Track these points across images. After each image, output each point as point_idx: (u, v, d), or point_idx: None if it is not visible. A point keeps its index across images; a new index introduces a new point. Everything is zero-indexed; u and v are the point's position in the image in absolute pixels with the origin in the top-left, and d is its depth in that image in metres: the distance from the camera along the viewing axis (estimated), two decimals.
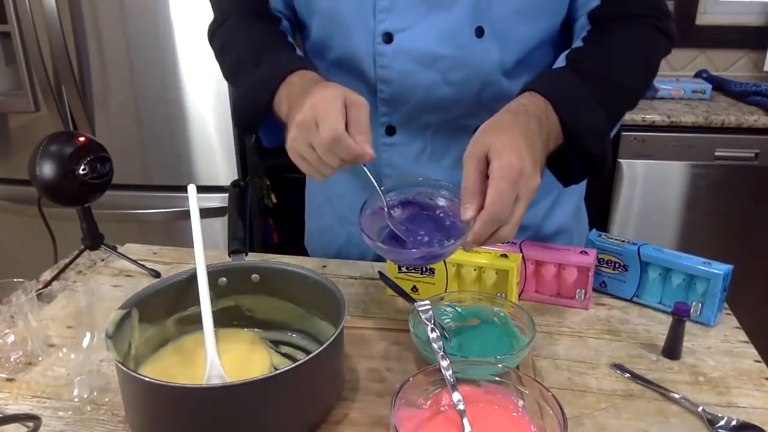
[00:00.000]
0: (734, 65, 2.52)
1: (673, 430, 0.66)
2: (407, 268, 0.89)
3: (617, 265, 0.89)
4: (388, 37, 0.84)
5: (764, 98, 2.09)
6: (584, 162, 0.79)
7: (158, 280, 0.80)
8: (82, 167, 0.89)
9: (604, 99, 0.79)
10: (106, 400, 0.71)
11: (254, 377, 0.59)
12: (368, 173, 0.72)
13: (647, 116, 2.02)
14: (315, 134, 0.67)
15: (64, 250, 1.06)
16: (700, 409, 0.68)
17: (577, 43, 0.86)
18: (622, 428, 0.66)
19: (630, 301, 0.89)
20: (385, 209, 0.74)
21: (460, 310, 0.80)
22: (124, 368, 0.60)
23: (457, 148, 0.89)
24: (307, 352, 0.73)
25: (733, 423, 0.66)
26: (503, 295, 0.84)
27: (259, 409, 0.60)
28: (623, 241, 0.89)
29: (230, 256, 0.80)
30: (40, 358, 0.78)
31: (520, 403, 0.62)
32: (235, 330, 0.79)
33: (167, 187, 2.02)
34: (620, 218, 2.16)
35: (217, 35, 0.97)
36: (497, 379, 0.63)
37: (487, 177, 0.66)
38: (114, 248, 1.03)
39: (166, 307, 0.75)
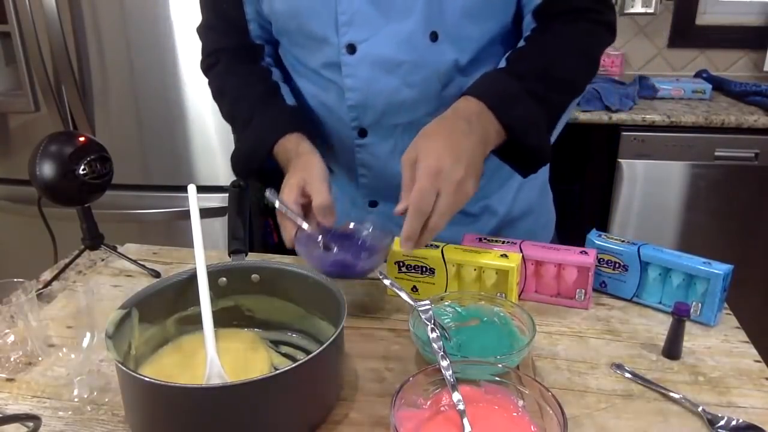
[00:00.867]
0: (734, 65, 2.52)
1: (673, 430, 0.66)
2: (407, 268, 0.89)
3: (617, 265, 0.89)
4: (351, 49, 0.90)
5: (764, 98, 2.09)
6: (526, 153, 0.86)
7: (158, 280, 0.80)
8: (82, 167, 0.89)
9: (541, 93, 0.85)
10: (106, 400, 0.71)
11: (254, 377, 0.59)
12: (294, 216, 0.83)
13: (647, 116, 2.02)
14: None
15: (64, 250, 1.06)
16: (700, 409, 0.68)
17: (521, 43, 0.91)
18: (622, 428, 0.66)
19: (630, 301, 0.89)
20: (319, 236, 0.85)
21: (460, 310, 0.80)
22: (124, 368, 0.60)
23: None
24: (307, 352, 0.73)
25: (733, 423, 0.66)
26: (503, 295, 0.84)
27: (259, 409, 0.60)
28: (623, 241, 0.89)
29: (230, 256, 0.80)
30: (40, 358, 0.78)
31: (520, 403, 0.62)
32: (235, 330, 0.79)
33: (167, 187, 2.02)
34: (620, 218, 2.16)
35: (210, 77, 1.07)
36: (497, 379, 0.63)
37: None
38: (114, 248, 1.03)
39: (166, 307, 0.75)
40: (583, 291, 0.87)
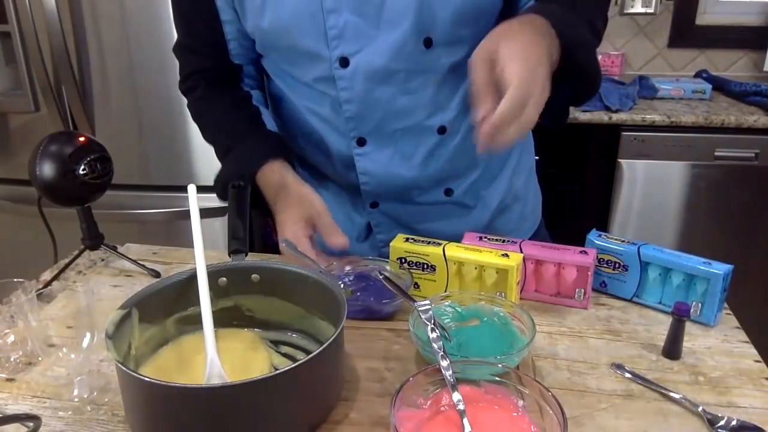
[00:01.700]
0: (734, 65, 2.52)
1: (673, 430, 0.66)
2: (409, 264, 0.89)
3: (617, 265, 0.89)
4: (344, 62, 0.89)
5: (764, 98, 2.09)
6: (582, 77, 0.81)
7: (158, 280, 0.80)
8: (82, 167, 0.89)
9: (585, 17, 0.82)
10: (106, 400, 0.71)
11: (254, 377, 0.59)
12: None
13: (647, 116, 2.02)
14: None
15: (64, 250, 1.06)
16: (700, 409, 0.68)
17: None
18: (622, 428, 0.66)
19: (630, 301, 0.89)
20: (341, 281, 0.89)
21: (460, 310, 0.80)
22: (124, 368, 0.60)
23: (424, 146, 0.97)
24: (307, 352, 0.73)
25: (733, 423, 0.66)
26: (503, 294, 0.84)
27: (259, 409, 0.60)
28: (623, 241, 0.89)
29: (230, 256, 0.80)
30: (40, 358, 0.78)
31: (520, 403, 0.62)
32: (235, 330, 0.79)
33: (167, 187, 2.02)
34: (620, 218, 2.16)
35: (189, 100, 1.07)
36: (497, 379, 0.63)
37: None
38: (114, 248, 1.03)
39: (166, 307, 0.75)
40: (583, 291, 0.87)
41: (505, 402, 0.62)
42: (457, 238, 0.92)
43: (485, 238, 0.92)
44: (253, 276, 0.78)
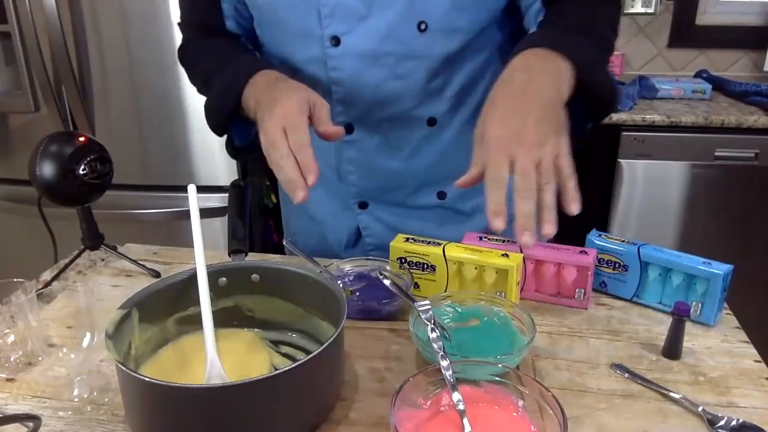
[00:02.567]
0: (734, 65, 2.52)
1: (673, 430, 0.66)
2: (409, 264, 0.89)
3: (617, 265, 0.89)
4: (335, 41, 0.88)
5: (764, 98, 2.09)
6: (597, 94, 0.78)
7: (158, 280, 0.80)
8: (82, 167, 0.89)
9: (589, 39, 0.80)
10: (106, 400, 0.71)
11: (254, 377, 0.59)
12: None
13: (647, 116, 2.02)
14: (283, 143, 0.72)
15: (64, 250, 1.06)
16: (700, 409, 0.68)
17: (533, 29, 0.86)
18: (622, 428, 0.66)
19: (630, 301, 0.89)
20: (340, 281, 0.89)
21: (460, 310, 0.80)
22: (124, 368, 0.60)
23: (413, 138, 0.96)
24: (307, 352, 0.73)
25: (733, 423, 0.66)
26: (503, 294, 0.84)
27: (259, 409, 0.60)
28: (623, 241, 0.89)
29: (230, 256, 0.80)
30: (40, 358, 0.78)
31: (520, 403, 0.62)
32: (235, 330, 0.79)
33: (167, 187, 2.02)
34: (620, 218, 2.16)
35: (185, 57, 1.04)
36: (497, 379, 0.63)
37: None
38: (114, 248, 1.03)
39: (166, 307, 0.75)
40: (583, 291, 0.87)
41: (505, 402, 0.62)
42: None
43: (485, 238, 0.92)
44: (253, 276, 0.78)
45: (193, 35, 1.03)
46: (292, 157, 0.71)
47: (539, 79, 0.71)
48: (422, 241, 0.90)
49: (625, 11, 2.32)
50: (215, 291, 0.76)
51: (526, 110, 0.67)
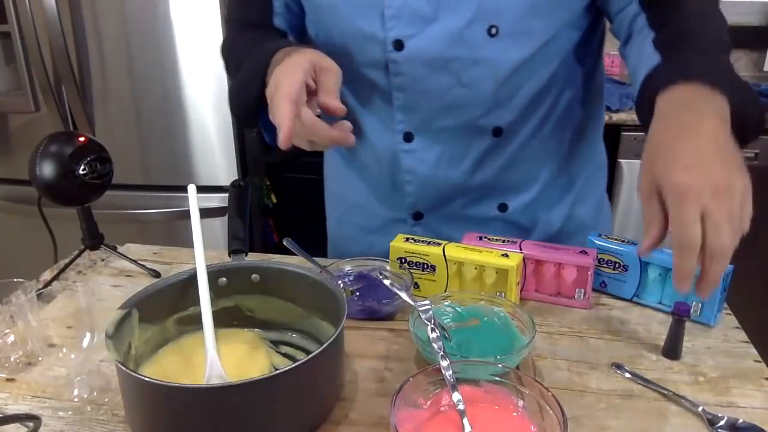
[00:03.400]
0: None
1: (673, 430, 0.66)
2: (409, 264, 0.89)
3: (617, 265, 0.89)
4: (398, 45, 0.83)
5: (764, 98, 2.09)
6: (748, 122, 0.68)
7: (158, 280, 0.80)
8: (82, 167, 0.89)
9: (727, 56, 0.74)
10: (106, 400, 0.71)
11: (254, 377, 0.59)
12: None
13: None
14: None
15: (64, 250, 1.06)
16: (700, 409, 0.68)
17: (640, 34, 0.79)
18: (622, 428, 0.66)
19: (630, 301, 0.89)
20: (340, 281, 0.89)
21: (460, 310, 0.80)
22: (124, 368, 0.60)
23: (476, 148, 0.90)
24: (307, 352, 0.73)
25: (733, 423, 0.66)
26: (503, 294, 0.84)
27: (259, 409, 0.60)
28: (623, 241, 0.89)
29: (230, 256, 0.80)
30: (40, 358, 0.78)
31: (520, 403, 0.62)
32: (235, 330, 0.79)
33: (167, 187, 2.02)
34: (620, 218, 2.16)
35: (225, 50, 0.99)
36: (497, 379, 0.63)
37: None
38: (114, 248, 1.03)
39: (166, 307, 0.75)
40: (583, 291, 0.87)
41: (505, 402, 0.62)
42: None
43: (485, 238, 0.92)
44: (253, 276, 0.78)
45: (240, 31, 0.98)
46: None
47: (710, 119, 0.62)
48: (422, 241, 0.90)
49: None
50: (215, 291, 0.76)
51: (706, 153, 0.59)
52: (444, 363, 0.63)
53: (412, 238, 0.91)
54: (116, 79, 1.92)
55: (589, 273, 0.85)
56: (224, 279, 0.77)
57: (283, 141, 0.68)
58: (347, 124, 0.74)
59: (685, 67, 0.70)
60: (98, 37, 1.88)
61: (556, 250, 0.88)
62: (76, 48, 1.88)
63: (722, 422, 0.66)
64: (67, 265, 1.00)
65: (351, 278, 0.90)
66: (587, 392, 0.72)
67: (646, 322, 0.85)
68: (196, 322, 0.73)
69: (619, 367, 0.76)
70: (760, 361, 0.77)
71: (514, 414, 0.61)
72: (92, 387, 0.72)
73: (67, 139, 0.90)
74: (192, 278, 0.74)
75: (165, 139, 1.96)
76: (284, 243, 0.89)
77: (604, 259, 0.90)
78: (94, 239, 1.00)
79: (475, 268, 0.86)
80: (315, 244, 1.06)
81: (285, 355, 0.77)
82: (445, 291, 0.88)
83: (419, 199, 0.97)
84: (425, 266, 0.88)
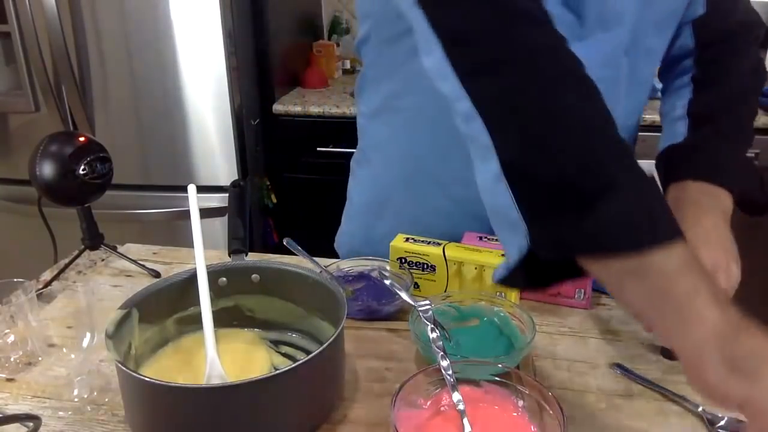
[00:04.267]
0: None
1: (673, 430, 0.66)
2: (409, 264, 0.89)
3: None
4: None
5: (764, 98, 2.09)
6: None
7: (158, 280, 0.80)
8: (82, 167, 0.89)
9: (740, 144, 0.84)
10: (106, 400, 0.71)
11: (254, 377, 0.59)
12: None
13: (647, 116, 2.02)
14: None
15: (64, 250, 1.06)
16: (700, 409, 0.68)
17: (687, 91, 0.88)
18: (622, 428, 0.66)
19: None
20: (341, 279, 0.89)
21: (460, 310, 0.80)
22: (124, 368, 0.60)
23: None
24: (307, 352, 0.73)
25: (734, 423, 0.66)
26: (503, 294, 0.84)
27: (259, 409, 0.60)
28: None
29: (230, 256, 0.80)
30: (40, 358, 0.78)
31: (520, 403, 0.62)
32: (235, 330, 0.79)
33: (167, 187, 2.02)
34: None
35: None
36: (497, 379, 0.63)
37: None
38: (114, 248, 1.03)
39: (166, 307, 0.75)
40: (583, 291, 0.87)
41: (505, 402, 0.62)
42: None
43: (485, 238, 0.92)
44: (253, 276, 0.78)
45: None
46: None
47: (711, 216, 0.77)
48: (422, 241, 0.90)
49: None
50: (215, 291, 0.76)
51: (724, 261, 0.74)
52: (444, 363, 0.63)
53: (412, 238, 0.91)
54: (116, 79, 1.92)
55: None
56: (224, 279, 0.77)
57: None
58: None
59: (703, 162, 0.81)
60: (98, 37, 1.88)
61: None
62: (76, 48, 1.88)
63: (722, 422, 0.66)
64: (67, 265, 1.00)
65: (351, 278, 0.90)
66: (587, 392, 0.72)
67: None
68: (196, 322, 0.73)
69: (619, 367, 0.76)
70: None
71: (514, 414, 0.61)
72: (92, 387, 0.72)
73: (67, 139, 0.90)
74: (192, 278, 0.74)
75: (165, 139, 1.96)
76: (284, 243, 0.89)
77: None
78: (94, 239, 1.00)
79: (475, 268, 0.86)
80: (315, 244, 1.06)
81: (285, 355, 0.77)
82: (445, 291, 0.88)
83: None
84: (425, 266, 0.88)
